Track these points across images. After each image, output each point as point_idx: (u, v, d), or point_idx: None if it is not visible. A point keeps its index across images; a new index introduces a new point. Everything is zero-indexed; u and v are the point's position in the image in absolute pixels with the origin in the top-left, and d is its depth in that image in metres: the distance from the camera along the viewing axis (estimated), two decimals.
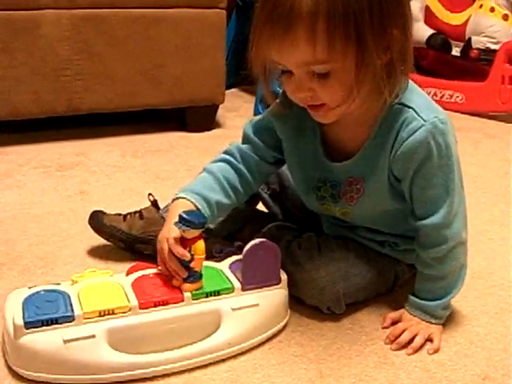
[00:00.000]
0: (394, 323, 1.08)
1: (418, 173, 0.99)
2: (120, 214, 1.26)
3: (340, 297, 1.08)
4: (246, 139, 1.15)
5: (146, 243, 1.23)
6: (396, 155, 0.99)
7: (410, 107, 0.98)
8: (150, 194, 1.27)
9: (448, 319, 1.08)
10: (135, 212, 1.26)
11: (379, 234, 1.13)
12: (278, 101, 1.09)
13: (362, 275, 1.11)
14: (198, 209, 1.04)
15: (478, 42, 2.65)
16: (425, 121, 0.96)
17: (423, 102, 0.99)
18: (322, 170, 1.09)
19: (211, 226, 1.19)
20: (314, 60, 0.89)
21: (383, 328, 1.07)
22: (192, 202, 1.05)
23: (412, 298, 1.08)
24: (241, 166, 1.13)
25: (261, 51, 0.93)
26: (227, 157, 1.14)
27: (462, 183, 1.04)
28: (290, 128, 1.10)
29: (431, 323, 1.06)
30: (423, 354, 1.01)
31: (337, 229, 1.17)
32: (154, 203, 1.26)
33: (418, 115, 0.97)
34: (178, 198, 1.07)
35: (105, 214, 1.27)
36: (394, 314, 1.09)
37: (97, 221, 1.25)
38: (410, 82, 0.98)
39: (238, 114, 2.43)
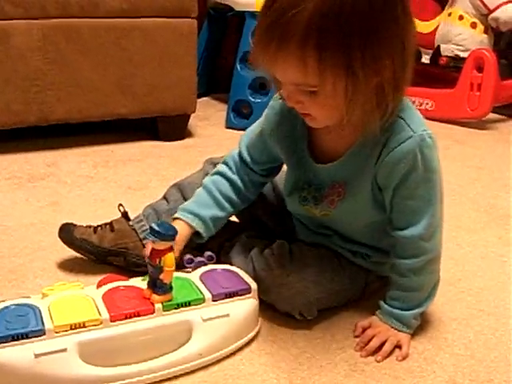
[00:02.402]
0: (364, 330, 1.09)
1: (402, 183, 1.00)
2: (90, 227, 1.26)
3: (312, 302, 1.09)
4: (239, 151, 1.19)
5: (117, 256, 1.23)
6: (382, 163, 1.00)
7: (400, 117, 0.99)
8: (120, 205, 1.27)
9: (417, 325, 1.10)
10: (105, 224, 1.26)
11: (353, 244, 1.14)
12: (268, 112, 1.13)
13: (333, 281, 1.12)
14: (193, 228, 1.13)
15: (447, 49, 2.70)
16: (414, 132, 0.98)
17: (413, 115, 1.01)
18: (308, 172, 1.10)
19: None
20: (303, 83, 0.91)
21: (355, 337, 1.08)
22: (186, 222, 1.13)
23: (384, 305, 1.09)
24: (234, 177, 1.17)
25: (256, 58, 0.94)
26: (222, 168, 1.19)
27: (443, 199, 1.05)
28: (284, 132, 1.11)
29: (401, 331, 1.07)
30: (392, 362, 1.03)
31: (311, 236, 1.19)
32: (125, 214, 1.26)
33: (408, 126, 0.99)
34: (174, 219, 1.13)
35: (75, 226, 1.26)
36: (364, 322, 1.10)
37: (67, 234, 1.25)
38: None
39: (210, 123, 2.44)
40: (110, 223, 1.25)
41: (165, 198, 1.27)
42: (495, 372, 1.01)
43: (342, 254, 1.16)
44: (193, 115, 2.24)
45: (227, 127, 2.41)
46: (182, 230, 1.11)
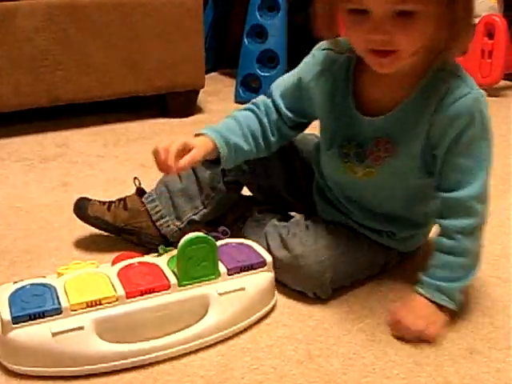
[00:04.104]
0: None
1: (457, 139, 0.97)
2: (105, 203, 1.25)
3: (327, 284, 1.07)
4: (271, 97, 1.15)
5: (131, 234, 1.23)
6: (438, 118, 0.97)
7: (457, 75, 0.97)
8: (135, 178, 1.26)
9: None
10: (119, 200, 1.25)
11: (377, 222, 1.11)
12: (309, 61, 1.10)
13: (351, 263, 1.09)
14: (215, 146, 1.05)
15: None
16: (471, 89, 0.96)
17: (467, 76, 0.99)
18: (350, 127, 1.05)
19: (196, 217, 1.21)
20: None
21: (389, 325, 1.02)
22: (211, 138, 1.06)
23: (426, 278, 1.01)
24: (264, 120, 1.13)
25: None
26: (253, 107, 1.14)
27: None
28: (326, 84, 1.07)
29: (443, 307, 1.00)
30: None
31: (332, 212, 1.15)
32: (139, 190, 1.25)
33: (465, 83, 0.97)
34: (198, 135, 1.07)
35: (90, 202, 1.25)
36: (397, 309, 1.01)
37: (81, 211, 1.24)
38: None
39: (219, 98, 2.43)
40: (124, 200, 1.25)
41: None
42: None
43: (364, 233, 1.12)
44: (202, 91, 2.23)
45: (236, 102, 2.39)
46: (204, 143, 1.05)
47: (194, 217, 1.21)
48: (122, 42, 1.99)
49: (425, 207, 1.09)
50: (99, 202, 1.26)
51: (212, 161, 1.09)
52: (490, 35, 2.47)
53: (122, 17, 1.96)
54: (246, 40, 2.39)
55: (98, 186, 1.58)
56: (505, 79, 2.60)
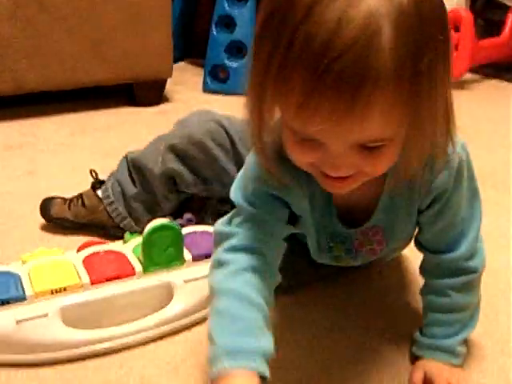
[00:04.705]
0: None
1: (445, 204, 0.84)
2: (65, 201, 1.27)
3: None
4: (245, 219, 0.84)
5: (95, 227, 1.25)
6: (425, 196, 0.83)
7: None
8: (91, 171, 1.28)
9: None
10: (77, 198, 1.26)
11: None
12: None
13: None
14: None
15: None
16: (449, 154, 0.79)
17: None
18: (328, 229, 0.91)
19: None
20: (380, 138, 0.67)
21: None
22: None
23: (422, 338, 0.92)
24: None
25: (270, 104, 0.69)
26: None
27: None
28: (301, 196, 0.84)
29: (448, 364, 0.90)
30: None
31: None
32: (95, 183, 1.27)
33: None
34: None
35: (52, 202, 1.28)
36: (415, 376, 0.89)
37: (45, 212, 1.28)
38: None
39: (187, 88, 2.42)
40: (81, 197, 1.26)
41: (129, 173, 1.24)
42: None
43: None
44: (169, 80, 2.22)
45: (204, 91, 2.39)
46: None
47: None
48: (89, 31, 1.97)
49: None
50: (61, 199, 1.28)
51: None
52: (456, 28, 2.50)
53: (88, 4, 1.94)
54: (214, 30, 2.38)
55: (63, 175, 1.57)
56: (471, 72, 2.64)
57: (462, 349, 0.90)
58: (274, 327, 0.78)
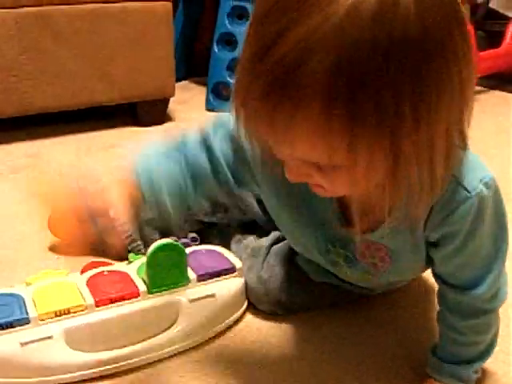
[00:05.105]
0: None
1: (464, 243, 0.79)
2: None
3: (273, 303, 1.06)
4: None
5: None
6: (435, 229, 0.79)
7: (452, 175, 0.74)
8: None
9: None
10: None
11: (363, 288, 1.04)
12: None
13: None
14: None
15: None
16: (469, 192, 0.75)
17: (465, 164, 0.77)
18: (329, 231, 0.89)
19: None
20: (325, 162, 0.64)
21: None
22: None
23: (440, 362, 0.88)
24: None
25: (246, 118, 0.67)
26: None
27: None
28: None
29: None
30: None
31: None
32: None
33: (461, 185, 0.75)
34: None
35: None
36: None
37: None
38: None
39: (190, 106, 2.43)
40: None
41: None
42: None
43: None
44: (172, 99, 2.22)
45: (207, 109, 2.39)
46: None
47: None
48: (92, 51, 1.98)
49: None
50: None
51: None
52: None
53: (91, 25, 1.95)
54: (215, 48, 2.39)
55: None
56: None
57: (475, 375, 0.88)
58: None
